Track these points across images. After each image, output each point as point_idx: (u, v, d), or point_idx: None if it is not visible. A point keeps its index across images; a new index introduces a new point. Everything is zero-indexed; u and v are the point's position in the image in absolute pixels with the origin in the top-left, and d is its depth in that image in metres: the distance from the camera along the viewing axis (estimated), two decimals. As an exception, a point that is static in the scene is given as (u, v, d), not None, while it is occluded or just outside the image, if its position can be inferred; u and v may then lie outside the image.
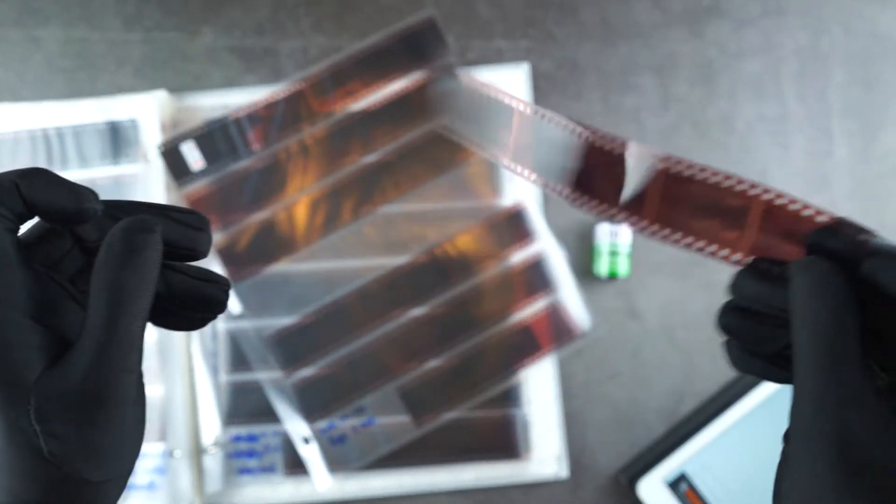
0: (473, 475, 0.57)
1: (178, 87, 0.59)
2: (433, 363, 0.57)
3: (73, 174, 0.58)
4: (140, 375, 0.24)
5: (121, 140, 0.58)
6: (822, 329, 0.22)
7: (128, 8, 0.60)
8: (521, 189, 0.59)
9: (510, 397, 0.57)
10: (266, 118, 0.58)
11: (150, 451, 0.56)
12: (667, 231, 0.28)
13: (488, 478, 0.57)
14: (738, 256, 0.27)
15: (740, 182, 0.27)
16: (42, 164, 0.58)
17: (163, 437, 0.56)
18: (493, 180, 0.59)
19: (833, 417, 0.21)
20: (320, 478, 0.57)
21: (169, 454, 0.56)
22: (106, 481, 0.24)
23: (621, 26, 0.60)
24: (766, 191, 0.27)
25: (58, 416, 0.22)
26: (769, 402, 0.54)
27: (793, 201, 0.27)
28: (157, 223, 0.24)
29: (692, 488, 0.54)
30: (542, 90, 0.60)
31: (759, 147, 0.60)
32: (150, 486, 0.56)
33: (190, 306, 0.26)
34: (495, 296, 0.58)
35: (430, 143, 0.59)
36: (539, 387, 0.57)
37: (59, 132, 0.58)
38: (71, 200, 0.23)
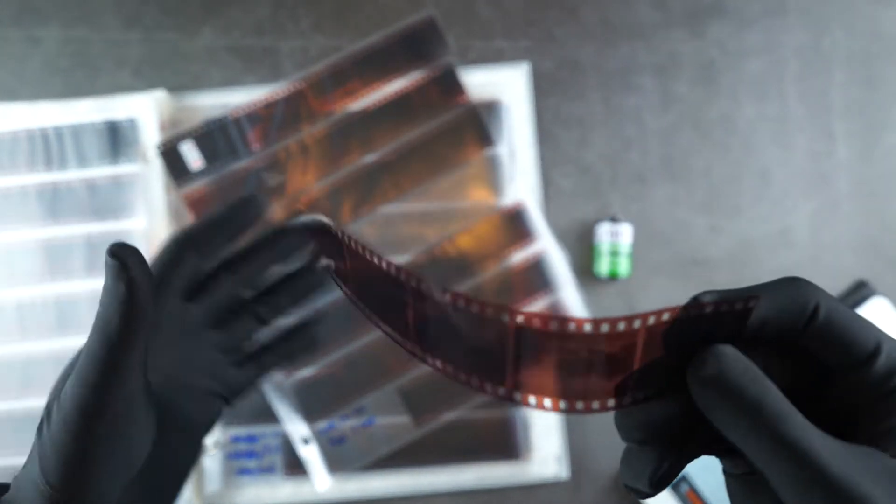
0: (473, 476, 0.57)
1: (177, 87, 0.59)
2: (433, 364, 0.57)
3: (72, 174, 0.58)
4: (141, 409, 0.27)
5: (120, 140, 0.58)
6: (771, 432, 0.20)
7: (127, 8, 0.60)
8: (521, 189, 0.59)
9: (510, 398, 0.57)
10: (265, 118, 0.58)
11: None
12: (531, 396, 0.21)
13: (488, 478, 0.57)
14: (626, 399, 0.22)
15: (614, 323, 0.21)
16: (40, 164, 0.58)
17: (162, 437, 0.56)
18: (493, 180, 0.59)
19: (822, 480, 0.19)
20: (320, 478, 0.57)
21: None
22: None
23: (622, 26, 0.60)
24: (645, 317, 0.21)
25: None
26: None
27: (662, 313, 0.21)
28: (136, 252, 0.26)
29: (693, 489, 0.54)
30: (543, 90, 0.60)
31: (761, 147, 0.60)
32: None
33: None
34: (495, 296, 0.58)
35: (430, 143, 0.59)
36: (539, 387, 0.57)
37: (58, 132, 0.58)
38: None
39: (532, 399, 0.21)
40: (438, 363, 0.22)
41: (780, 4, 0.60)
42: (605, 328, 0.20)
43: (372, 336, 0.57)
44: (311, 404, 0.57)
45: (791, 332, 0.22)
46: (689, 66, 0.60)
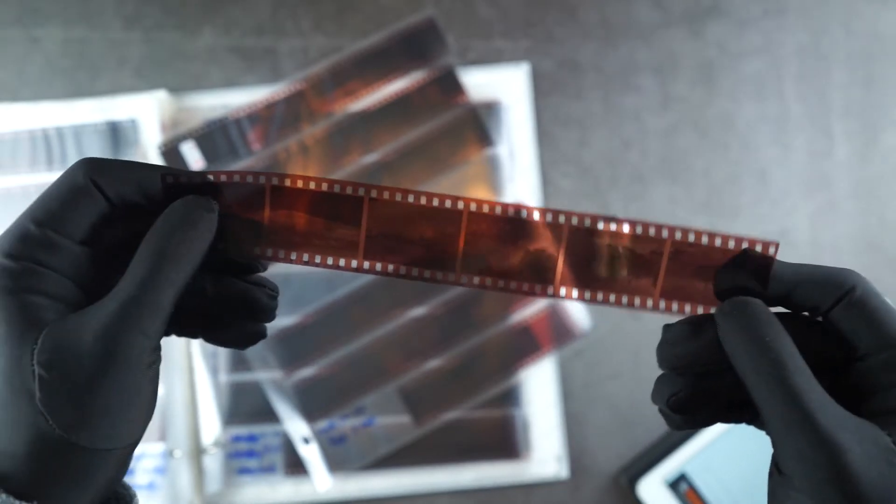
0: (473, 475, 0.57)
1: (177, 87, 0.59)
2: (433, 363, 0.57)
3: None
4: (158, 348, 0.24)
5: (121, 140, 0.58)
6: (774, 371, 0.22)
7: (127, 8, 0.60)
8: (521, 189, 0.59)
9: (510, 397, 0.57)
10: (266, 118, 0.58)
11: (150, 451, 0.56)
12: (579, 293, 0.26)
13: (488, 478, 0.57)
14: (650, 303, 0.26)
15: (646, 227, 0.25)
16: (42, 164, 0.58)
17: (163, 437, 0.56)
18: (492, 180, 0.59)
19: (825, 449, 0.21)
20: (320, 478, 0.57)
21: (169, 454, 0.56)
22: (98, 451, 0.23)
23: (621, 26, 0.60)
24: (673, 230, 0.25)
25: (63, 363, 0.22)
26: None
27: (699, 235, 0.25)
28: (216, 207, 0.25)
29: (692, 488, 0.54)
30: (542, 90, 0.60)
31: (760, 147, 0.60)
32: (150, 487, 0.56)
33: (237, 312, 0.26)
34: (495, 296, 0.58)
35: (430, 143, 0.59)
36: (539, 387, 0.57)
37: (59, 132, 0.58)
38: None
39: (574, 292, 0.26)
40: (476, 280, 0.26)
41: (779, 5, 0.60)
42: (639, 229, 0.25)
43: (372, 336, 0.58)
44: (312, 404, 0.57)
45: (823, 303, 0.24)
46: (688, 66, 0.60)
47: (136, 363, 0.22)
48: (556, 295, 0.26)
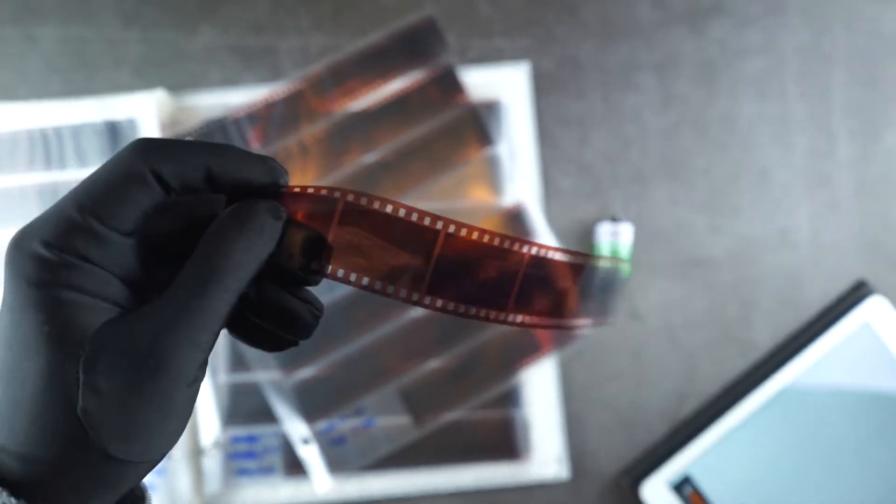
0: (473, 476, 0.57)
1: (176, 87, 0.59)
2: (433, 363, 0.57)
3: (72, 174, 0.58)
4: (205, 362, 0.22)
5: (119, 140, 0.58)
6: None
7: (126, 6, 0.60)
8: (521, 189, 0.58)
9: (510, 398, 0.57)
10: (265, 118, 0.58)
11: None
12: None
13: (488, 479, 0.57)
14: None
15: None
16: (40, 164, 0.58)
17: (161, 438, 0.55)
18: (492, 180, 0.59)
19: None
20: (320, 479, 0.57)
21: (168, 455, 0.55)
22: (130, 462, 0.21)
23: (622, 25, 0.60)
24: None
25: (107, 369, 0.20)
26: (774, 401, 0.53)
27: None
28: (285, 214, 0.23)
29: (697, 491, 0.53)
30: (543, 89, 0.59)
31: (761, 146, 0.59)
32: (149, 488, 0.55)
33: (275, 321, 0.24)
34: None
35: (430, 142, 0.59)
36: (539, 387, 0.57)
37: (58, 132, 0.58)
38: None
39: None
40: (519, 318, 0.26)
41: (780, 3, 0.60)
42: None
43: (372, 336, 0.57)
44: (311, 404, 0.57)
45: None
46: (689, 65, 0.60)
47: (184, 376, 0.21)
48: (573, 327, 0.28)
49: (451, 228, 0.24)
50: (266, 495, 0.57)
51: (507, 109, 0.59)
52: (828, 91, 0.60)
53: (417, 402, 0.57)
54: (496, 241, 0.24)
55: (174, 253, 0.22)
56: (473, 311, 0.25)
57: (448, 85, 0.59)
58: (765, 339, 0.58)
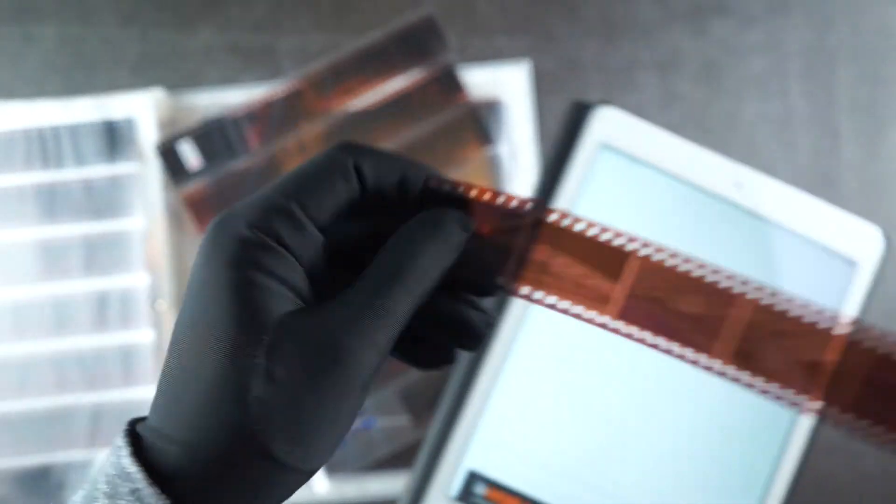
0: (473, 478, 0.56)
1: (175, 85, 0.59)
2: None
3: (69, 173, 0.57)
4: (378, 369, 0.21)
5: (117, 139, 0.58)
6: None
7: (124, 5, 0.60)
8: (521, 189, 0.58)
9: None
10: (264, 117, 0.58)
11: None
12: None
13: (488, 481, 0.56)
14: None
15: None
16: (37, 163, 0.57)
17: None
18: (493, 179, 0.58)
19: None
20: (318, 480, 0.56)
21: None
22: (286, 467, 0.20)
23: (623, 23, 0.60)
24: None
25: (286, 359, 0.20)
26: (524, 328, 0.36)
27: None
28: (473, 226, 0.23)
29: (493, 484, 0.37)
30: (544, 89, 0.59)
31: (764, 145, 0.59)
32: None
33: (445, 330, 0.23)
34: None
35: (430, 142, 0.58)
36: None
37: (55, 131, 0.58)
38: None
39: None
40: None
41: (783, 1, 0.60)
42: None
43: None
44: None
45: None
46: (691, 64, 0.59)
47: (360, 377, 0.20)
48: (823, 414, 0.22)
49: (646, 251, 0.23)
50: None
51: (507, 109, 0.59)
52: (832, 89, 0.59)
53: (417, 402, 0.57)
54: (697, 271, 0.22)
55: (357, 256, 0.23)
56: (674, 348, 0.23)
57: (448, 84, 0.58)
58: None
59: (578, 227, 0.23)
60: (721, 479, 0.33)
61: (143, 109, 0.58)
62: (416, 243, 0.22)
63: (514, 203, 0.24)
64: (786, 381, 0.22)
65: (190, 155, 0.57)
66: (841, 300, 0.33)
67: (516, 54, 0.59)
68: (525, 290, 0.23)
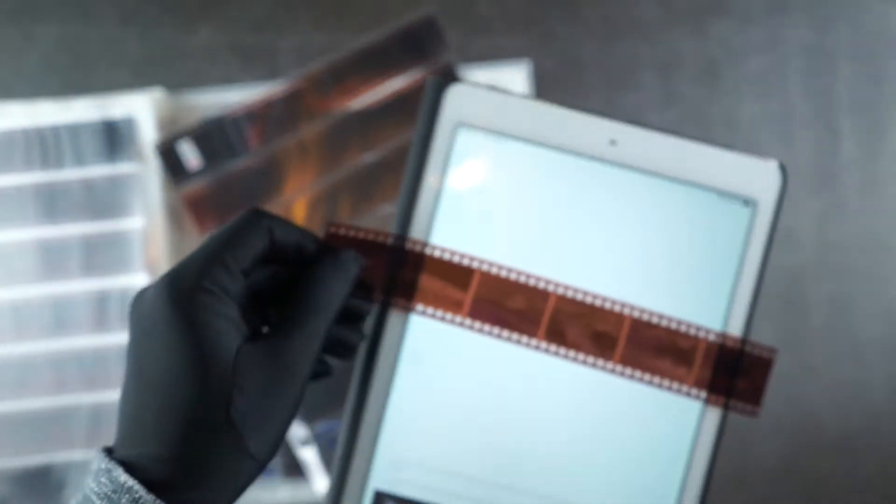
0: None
1: (175, 85, 0.59)
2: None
3: (69, 173, 0.57)
4: (308, 375, 0.28)
5: (117, 138, 0.58)
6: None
7: (124, 5, 0.60)
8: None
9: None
10: (264, 116, 0.58)
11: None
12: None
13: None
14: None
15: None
16: (37, 163, 0.57)
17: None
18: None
19: None
20: (319, 481, 0.56)
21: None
22: (255, 461, 0.26)
23: (623, 23, 0.60)
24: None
25: (251, 376, 0.26)
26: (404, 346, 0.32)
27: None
28: (360, 266, 0.30)
29: (401, 500, 0.32)
30: (544, 88, 0.59)
31: (764, 145, 0.59)
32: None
33: (334, 350, 0.31)
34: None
35: (430, 141, 0.58)
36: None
37: (55, 131, 0.58)
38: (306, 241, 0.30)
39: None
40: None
41: (782, 1, 0.60)
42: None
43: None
44: (311, 405, 0.56)
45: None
46: (691, 63, 0.59)
47: (302, 381, 0.27)
48: (614, 370, 0.31)
49: (485, 267, 0.31)
50: (265, 496, 0.56)
51: (507, 108, 0.59)
52: (832, 89, 0.59)
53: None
54: (518, 278, 0.31)
55: (270, 294, 0.29)
56: (506, 333, 0.31)
57: (448, 84, 0.58)
58: (767, 339, 0.57)
59: (437, 255, 0.31)
60: (633, 470, 0.32)
61: (142, 109, 0.57)
62: (327, 278, 0.28)
63: (387, 240, 0.31)
64: (586, 349, 0.31)
65: (190, 155, 0.57)
66: (745, 241, 0.32)
67: (516, 54, 0.59)
68: (404, 304, 0.31)
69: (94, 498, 0.24)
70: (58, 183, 0.57)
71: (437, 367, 0.32)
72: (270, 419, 0.26)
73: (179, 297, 0.26)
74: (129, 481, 0.24)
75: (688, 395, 0.31)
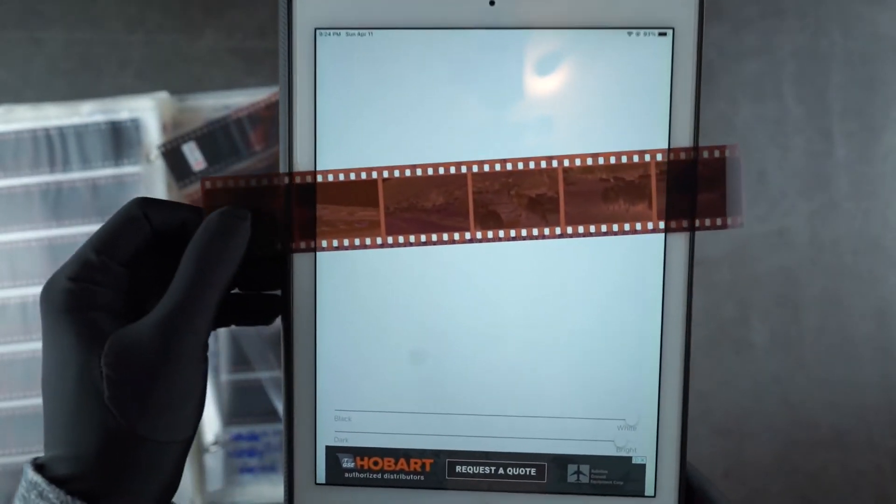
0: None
1: (179, 89, 0.59)
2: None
3: (75, 175, 0.58)
4: (206, 346, 0.26)
5: (122, 141, 0.58)
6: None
7: (130, 10, 0.61)
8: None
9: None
10: (267, 118, 0.58)
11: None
12: None
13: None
14: (651, 226, 0.29)
15: None
16: (44, 165, 0.58)
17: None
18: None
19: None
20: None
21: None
22: (158, 443, 0.26)
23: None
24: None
25: (127, 363, 0.25)
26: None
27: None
28: (249, 215, 0.28)
29: (357, 451, 0.31)
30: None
31: (758, 148, 0.60)
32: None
33: (246, 315, 0.30)
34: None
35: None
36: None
37: (61, 133, 0.58)
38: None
39: None
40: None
41: (776, 6, 0.60)
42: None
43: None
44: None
45: None
46: (687, 67, 0.60)
47: (189, 359, 0.26)
48: (563, 234, 0.27)
49: (385, 174, 0.28)
50: (268, 493, 0.57)
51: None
52: (825, 93, 0.60)
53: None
54: (430, 172, 0.28)
55: (156, 281, 0.28)
56: (435, 237, 0.28)
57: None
58: (761, 339, 0.58)
59: (330, 179, 0.28)
60: (606, 341, 0.29)
61: (147, 112, 0.58)
62: (206, 243, 0.27)
63: (264, 179, 0.28)
64: (525, 221, 0.27)
65: (194, 156, 0.58)
66: (671, 68, 0.29)
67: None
68: (309, 244, 0.28)
69: (17, 501, 0.25)
70: (64, 184, 0.58)
71: (362, 303, 0.29)
72: (160, 398, 0.25)
73: (48, 297, 0.26)
74: (35, 477, 0.25)
75: (652, 231, 0.29)
